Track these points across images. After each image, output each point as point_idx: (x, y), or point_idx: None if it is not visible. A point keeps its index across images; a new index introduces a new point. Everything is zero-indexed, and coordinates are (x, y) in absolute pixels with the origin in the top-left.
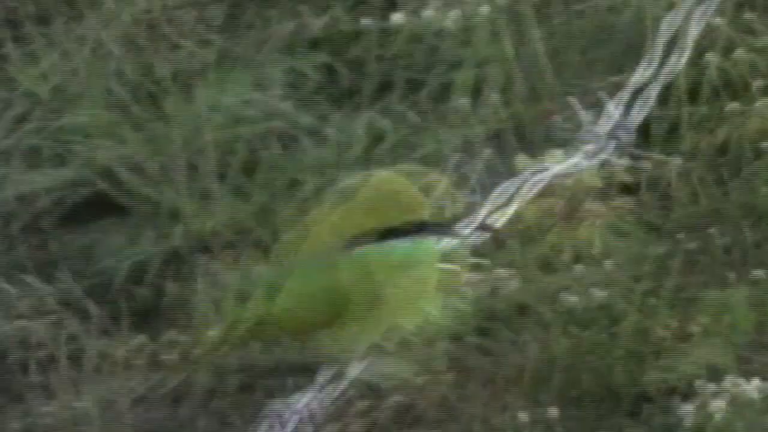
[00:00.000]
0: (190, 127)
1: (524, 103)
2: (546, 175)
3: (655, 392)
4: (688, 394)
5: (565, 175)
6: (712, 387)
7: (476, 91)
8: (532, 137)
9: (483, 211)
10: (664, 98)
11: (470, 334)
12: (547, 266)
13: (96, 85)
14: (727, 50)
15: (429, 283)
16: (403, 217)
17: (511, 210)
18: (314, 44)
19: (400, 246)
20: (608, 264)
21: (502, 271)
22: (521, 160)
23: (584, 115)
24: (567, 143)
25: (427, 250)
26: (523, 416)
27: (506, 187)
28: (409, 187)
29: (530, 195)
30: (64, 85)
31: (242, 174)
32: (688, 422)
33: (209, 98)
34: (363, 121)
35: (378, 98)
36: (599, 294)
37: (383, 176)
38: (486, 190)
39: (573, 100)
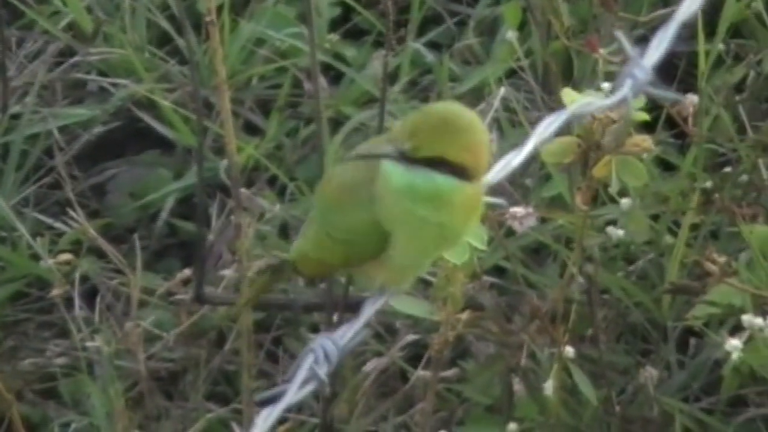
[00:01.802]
0: (235, 62)
1: (570, 36)
2: (591, 109)
3: (701, 327)
4: (735, 328)
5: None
6: (759, 321)
7: (523, 25)
8: (578, 71)
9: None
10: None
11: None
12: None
13: (139, 18)
14: None
15: (476, 216)
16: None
17: (528, 148)
18: None
19: (445, 178)
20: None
21: (518, 210)
22: (567, 93)
23: (631, 50)
24: (613, 78)
25: (480, 185)
26: (570, 351)
27: (551, 121)
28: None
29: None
30: (107, 19)
31: (287, 108)
32: (736, 356)
33: (255, 32)
34: (408, 55)
35: (424, 32)
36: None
37: (453, 109)
38: (532, 124)
39: (620, 34)
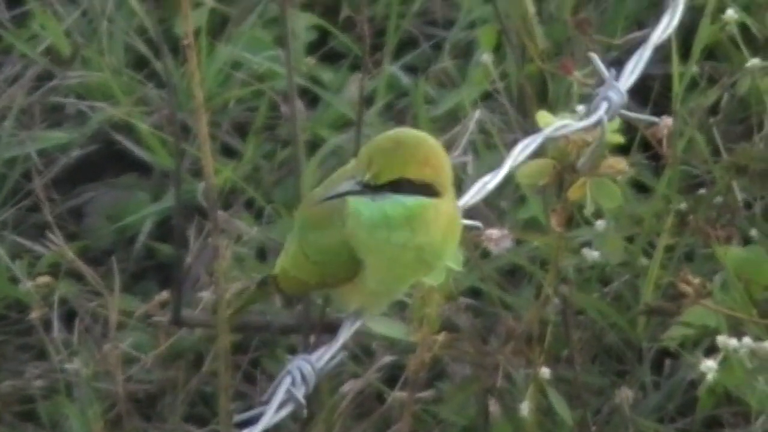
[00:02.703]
0: (212, 85)
1: (545, 59)
2: (566, 131)
3: (677, 348)
4: (710, 349)
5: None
6: (733, 342)
7: (498, 47)
8: (553, 93)
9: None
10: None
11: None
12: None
13: (117, 42)
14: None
15: (454, 234)
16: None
17: (504, 170)
18: (335, 0)
19: (414, 198)
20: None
21: (494, 231)
22: (542, 116)
23: (606, 72)
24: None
25: (454, 205)
26: (545, 372)
27: (527, 143)
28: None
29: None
30: (85, 42)
31: (264, 131)
32: (711, 377)
33: (232, 55)
34: (384, 78)
35: (400, 55)
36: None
37: (393, 132)
38: (507, 145)
39: (595, 57)
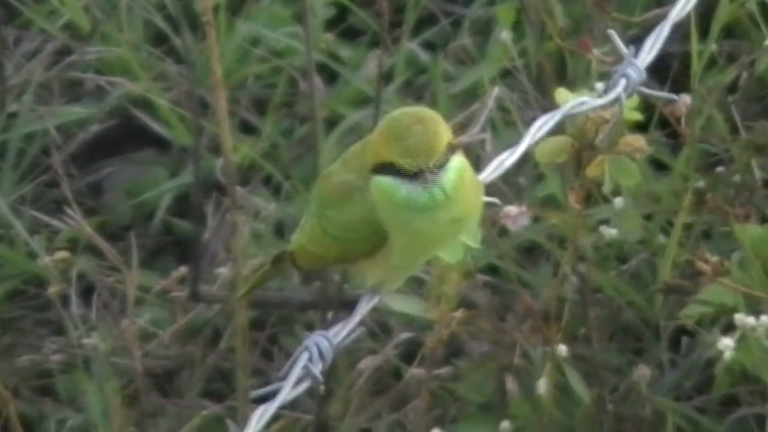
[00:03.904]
0: (231, 61)
1: (564, 37)
2: (584, 108)
3: (694, 326)
4: (727, 327)
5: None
6: (751, 320)
7: (517, 25)
8: (571, 71)
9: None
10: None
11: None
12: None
13: (136, 18)
14: None
15: (464, 223)
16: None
17: (522, 148)
18: None
19: (401, 186)
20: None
21: (512, 209)
22: (561, 93)
23: (624, 50)
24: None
25: (431, 199)
26: (563, 350)
27: (545, 120)
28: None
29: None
30: (104, 18)
31: (282, 107)
32: (728, 355)
33: (251, 31)
34: (403, 55)
35: (419, 32)
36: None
37: (413, 111)
38: (526, 123)
39: (613, 34)
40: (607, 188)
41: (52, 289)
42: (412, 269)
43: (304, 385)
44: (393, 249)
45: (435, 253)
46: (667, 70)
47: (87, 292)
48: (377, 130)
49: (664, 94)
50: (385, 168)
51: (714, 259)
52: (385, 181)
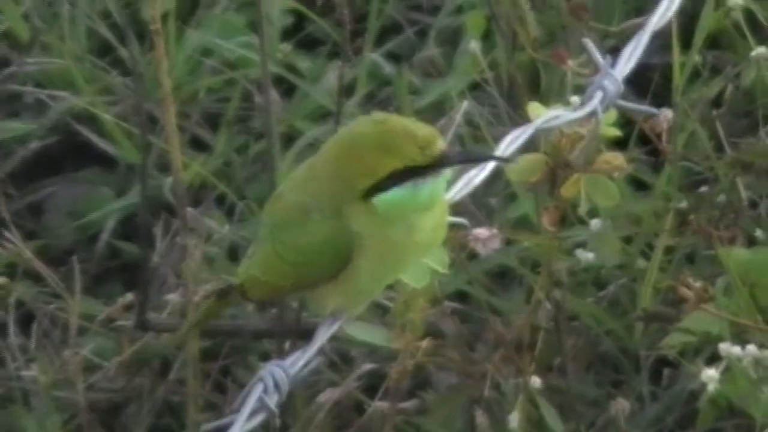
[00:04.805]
0: (181, 73)
1: (537, 47)
2: (558, 122)
3: (676, 356)
4: (712, 358)
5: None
6: (737, 350)
7: (487, 34)
8: (545, 84)
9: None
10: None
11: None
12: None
13: (79, 27)
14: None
15: (440, 237)
16: (424, 152)
17: (491, 165)
18: None
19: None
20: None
21: (482, 231)
22: (534, 107)
23: (601, 60)
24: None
25: (439, 200)
26: (536, 382)
27: (517, 135)
28: (417, 122)
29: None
30: (45, 27)
31: (236, 122)
32: (712, 388)
33: (202, 41)
34: (365, 66)
35: (382, 42)
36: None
37: (383, 116)
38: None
39: (589, 43)
40: (583, 209)
41: None
42: (376, 292)
43: (259, 419)
44: (358, 270)
45: (405, 270)
46: (648, 83)
47: (26, 320)
48: (350, 151)
49: (644, 107)
50: (389, 180)
51: (697, 284)
52: (397, 193)
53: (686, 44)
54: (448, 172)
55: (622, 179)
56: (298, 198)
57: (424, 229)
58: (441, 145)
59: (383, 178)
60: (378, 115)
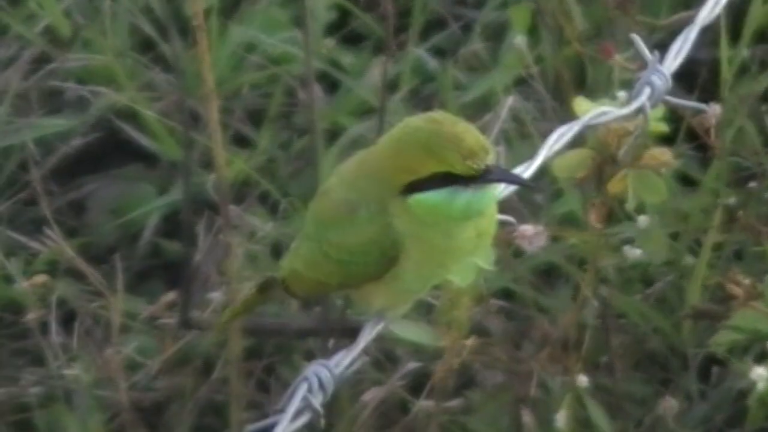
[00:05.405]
0: (224, 69)
1: (583, 42)
2: (606, 119)
3: (725, 354)
4: (761, 356)
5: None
6: None
7: (532, 29)
8: (592, 79)
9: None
10: (710, 40)
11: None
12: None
13: (121, 22)
14: None
15: (488, 237)
16: (465, 162)
17: (538, 161)
18: None
19: (460, 195)
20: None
21: (528, 228)
22: (580, 103)
23: (649, 55)
24: (629, 86)
25: (488, 201)
26: (583, 380)
27: (563, 132)
28: (470, 130)
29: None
30: (86, 23)
31: (279, 118)
32: (762, 386)
33: (245, 36)
34: (409, 62)
35: (426, 37)
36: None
37: (441, 116)
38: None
39: (637, 39)
40: (630, 205)
41: (31, 316)
42: (422, 291)
43: (304, 419)
44: (404, 270)
45: (450, 271)
46: (695, 78)
47: (68, 319)
48: (399, 147)
49: (692, 103)
50: (429, 182)
51: (746, 281)
52: (432, 196)
53: (734, 38)
54: (495, 187)
55: (669, 175)
56: (345, 194)
57: (464, 237)
58: (486, 158)
59: (424, 178)
60: (437, 114)
